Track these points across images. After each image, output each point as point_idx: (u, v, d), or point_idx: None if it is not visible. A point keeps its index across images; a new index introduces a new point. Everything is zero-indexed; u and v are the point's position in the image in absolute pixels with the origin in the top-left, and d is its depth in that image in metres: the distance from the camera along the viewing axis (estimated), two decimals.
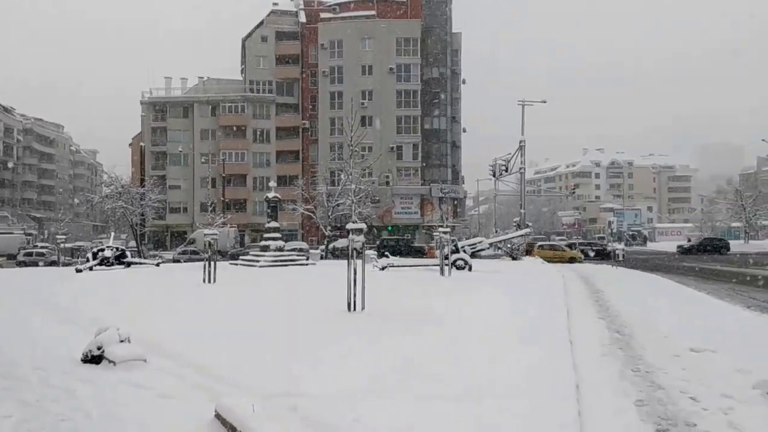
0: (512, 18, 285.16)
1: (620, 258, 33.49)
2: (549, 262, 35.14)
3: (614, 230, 69.56)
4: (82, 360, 7.45)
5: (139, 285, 19.31)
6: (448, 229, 23.03)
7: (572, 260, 37.01)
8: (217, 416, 5.26)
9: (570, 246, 45.20)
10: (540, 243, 45.55)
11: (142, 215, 47.69)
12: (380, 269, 24.43)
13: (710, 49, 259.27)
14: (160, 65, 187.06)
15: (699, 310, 13.40)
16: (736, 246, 51.47)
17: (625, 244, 54.36)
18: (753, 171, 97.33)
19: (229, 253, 41.43)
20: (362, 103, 59.33)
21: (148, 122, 65.96)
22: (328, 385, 6.30)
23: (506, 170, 44.12)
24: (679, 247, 50.49)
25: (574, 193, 63.27)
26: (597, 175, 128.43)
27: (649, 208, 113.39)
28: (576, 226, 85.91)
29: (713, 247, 47.74)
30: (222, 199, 55.28)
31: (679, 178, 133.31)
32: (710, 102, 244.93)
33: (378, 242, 43.11)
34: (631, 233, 75.70)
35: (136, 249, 45.27)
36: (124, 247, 33.22)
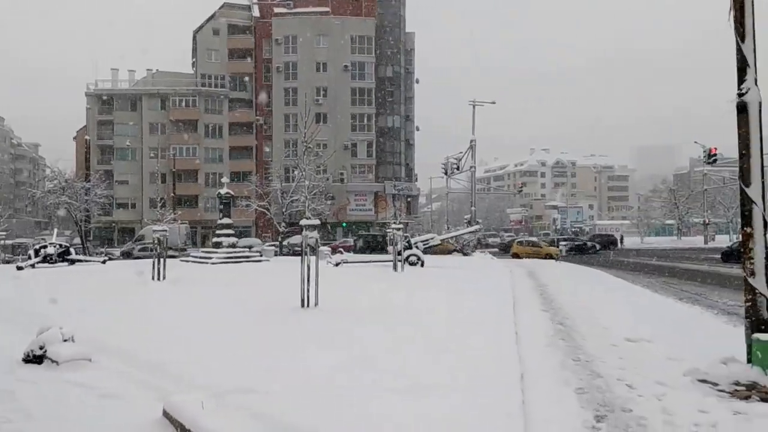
0: (465, 19, 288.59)
1: (563, 253, 34.60)
2: (527, 258, 35.67)
3: (558, 227, 71.70)
4: (23, 360, 7.24)
5: (84, 283, 18.73)
6: (401, 226, 23.27)
7: (548, 256, 36.49)
8: (165, 414, 5.20)
9: (552, 242, 46.69)
10: (518, 239, 46.30)
11: (87, 211, 46.15)
12: (334, 265, 24.47)
13: (652, 52, 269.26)
14: (107, 56, 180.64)
15: (635, 301, 14.04)
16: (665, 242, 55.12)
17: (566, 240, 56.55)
18: (686, 171, 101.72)
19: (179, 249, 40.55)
20: (317, 100, 59.01)
21: (93, 115, 63.71)
22: (280, 381, 6.33)
23: (458, 169, 44.80)
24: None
25: (521, 191, 65.05)
26: (543, 174, 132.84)
27: (591, 206, 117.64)
28: (523, 223, 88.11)
29: (603, 243, 52.26)
30: (172, 194, 54.02)
31: (618, 178, 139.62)
32: (647, 104, 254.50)
33: (355, 238, 43.01)
34: (573, 230, 78.21)
35: (81, 246, 43.78)
36: (68, 244, 32.05)
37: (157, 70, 65.82)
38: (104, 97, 63.68)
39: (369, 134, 61.31)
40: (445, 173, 46.45)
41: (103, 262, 30.47)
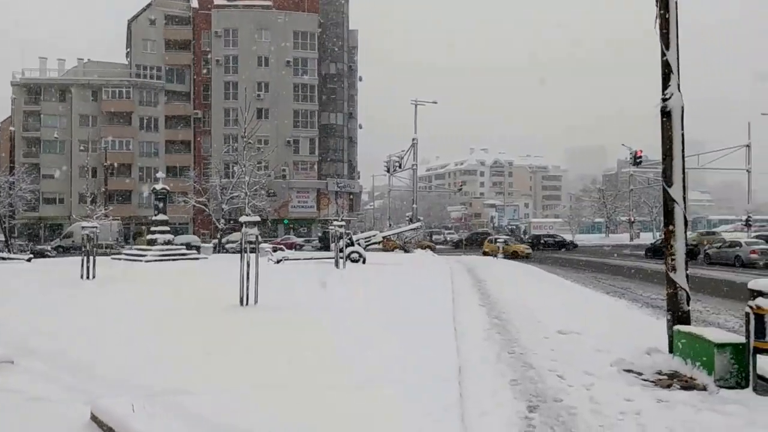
0: (410, 18, 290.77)
1: (500, 250, 35.51)
2: (490, 255, 35.81)
3: (496, 224, 73.69)
4: None
5: (7, 282, 17.71)
6: (343, 223, 23.25)
7: (514, 254, 35.97)
8: (94, 418, 5.01)
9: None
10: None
11: (11, 206, 43.65)
12: (275, 263, 24.20)
13: (588, 54, 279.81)
14: (36, 44, 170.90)
15: (567, 296, 14.61)
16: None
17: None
18: (614, 172, 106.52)
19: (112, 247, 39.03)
20: (258, 95, 58.07)
21: (19, 105, 60.24)
22: (217, 382, 6.22)
23: (400, 167, 45.24)
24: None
25: (461, 189, 66.24)
26: (482, 173, 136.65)
27: (526, 205, 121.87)
28: (463, 220, 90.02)
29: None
30: (104, 189, 51.86)
31: (552, 178, 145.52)
32: (581, 106, 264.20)
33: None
34: (510, 227, 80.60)
35: (4, 242, 41.37)
36: None
37: (88, 59, 62.98)
38: (31, 87, 60.32)
39: (312, 131, 60.88)
40: (388, 171, 46.77)
41: (28, 259, 28.91)
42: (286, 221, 58.62)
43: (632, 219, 64.19)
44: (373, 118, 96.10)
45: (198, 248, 35.26)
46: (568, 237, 57.32)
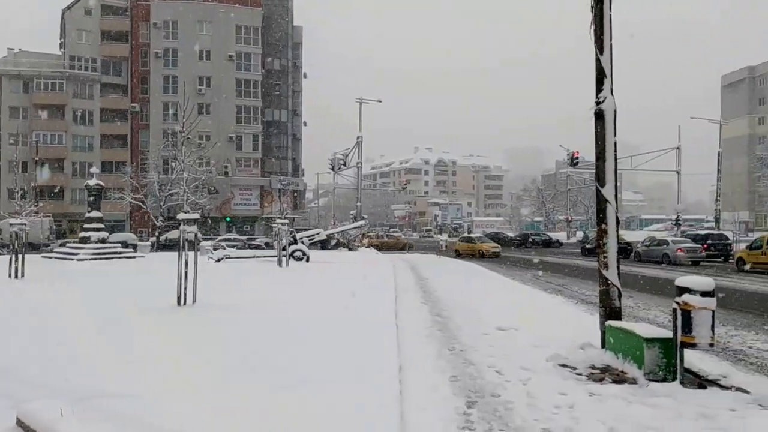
0: (355, 18, 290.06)
1: (443, 248, 36.01)
2: (462, 253, 35.64)
3: (439, 223, 74.81)
4: None
5: None
6: (286, 221, 22.99)
7: (480, 253, 35.34)
8: (19, 423, 4.75)
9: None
10: (462, 236, 46.62)
11: None
12: (216, 261, 23.67)
13: (529, 57, 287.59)
14: None
15: (507, 293, 14.95)
16: None
17: (449, 235, 58.45)
18: (553, 172, 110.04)
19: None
20: (199, 90, 56.67)
21: None
22: (151, 384, 6.00)
23: (344, 164, 45.13)
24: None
25: (405, 188, 66.74)
26: (426, 172, 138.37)
27: (469, 203, 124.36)
28: (407, 219, 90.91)
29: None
30: (34, 185, 49.25)
31: (494, 177, 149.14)
32: (522, 107, 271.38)
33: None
34: (453, 226, 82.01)
35: None
36: None
37: (20, 49, 59.60)
38: None
39: (255, 127, 59.80)
40: (332, 169, 46.54)
41: None
42: (228, 219, 57.42)
43: (569, 218, 66.48)
44: (319, 116, 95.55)
45: (135, 247, 34.03)
46: (555, 235, 58.31)
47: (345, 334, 8.57)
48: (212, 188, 50.34)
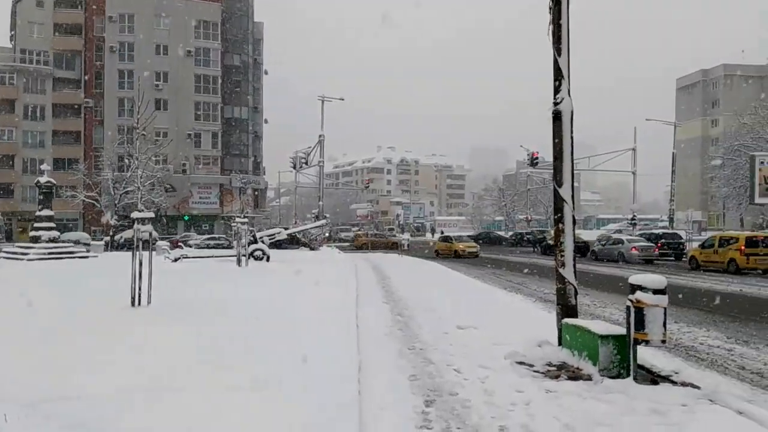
0: (318, 15, 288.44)
1: (406, 247, 36.12)
2: (441, 254, 35.04)
3: (401, 222, 75.03)
4: None
5: None
6: (246, 220, 22.64)
7: (455, 253, 34.06)
8: None
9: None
10: (444, 235, 45.07)
11: None
12: (173, 261, 23.16)
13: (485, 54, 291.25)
14: None
15: (467, 291, 15.07)
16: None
17: (411, 235, 58.59)
18: (514, 172, 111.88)
19: None
20: (156, 85, 55.36)
21: None
22: (103, 387, 5.78)
23: (306, 163, 44.76)
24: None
25: (368, 187, 66.61)
26: (389, 171, 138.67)
27: (432, 203, 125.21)
28: (369, 218, 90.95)
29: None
30: None
31: (456, 177, 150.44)
32: (485, 107, 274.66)
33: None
34: (416, 225, 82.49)
35: None
36: None
37: None
38: None
39: (214, 124, 58.73)
40: (294, 167, 46.08)
41: None
42: (186, 217, 56.25)
43: (529, 217, 67.57)
44: (281, 114, 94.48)
45: (88, 246, 32.99)
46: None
47: (303, 334, 8.46)
48: (169, 186, 49.22)
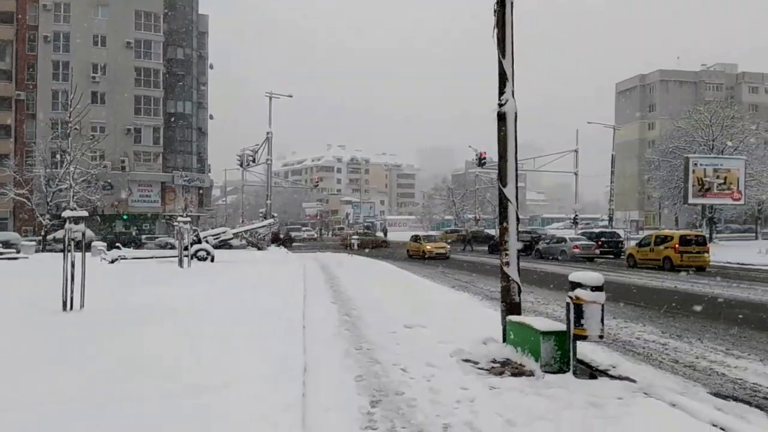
0: (268, 11, 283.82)
1: (355, 247, 36.02)
2: (413, 254, 33.18)
3: (351, 221, 74.82)
4: None
5: None
6: (188, 219, 21.99)
7: (423, 254, 32.02)
8: None
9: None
10: (415, 235, 43.24)
11: None
12: (110, 262, 22.28)
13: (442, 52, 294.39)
14: None
15: (415, 290, 15.13)
16: None
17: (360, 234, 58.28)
18: (462, 172, 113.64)
19: None
20: (93, 77, 53.16)
21: None
22: (31, 397, 5.46)
23: (254, 161, 43.92)
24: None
25: (317, 186, 66.03)
26: (339, 170, 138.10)
27: (382, 202, 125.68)
28: (318, 217, 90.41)
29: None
30: None
31: (406, 176, 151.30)
32: (433, 107, 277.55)
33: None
34: (365, 224, 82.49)
35: None
36: None
37: None
38: None
39: (156, 119, 56.80)
40: (241, 165, 45.17)
41: None
42: (125, 216, 54.21)
43: (478, 217, 68.67)
44: (230, 111, 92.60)
45: (18, 247, 31.32)
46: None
47: (247, 337, 8.28)
48: (106, 184, 47.35)
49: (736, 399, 6.01)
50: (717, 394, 6.14)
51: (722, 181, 37.84)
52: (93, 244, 28.49)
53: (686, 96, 76.83)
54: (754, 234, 48.60)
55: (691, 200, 38.66)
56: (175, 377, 6.12)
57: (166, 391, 5.63)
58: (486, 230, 59.91)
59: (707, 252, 23.58)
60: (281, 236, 48.35)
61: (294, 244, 52.29)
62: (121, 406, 5.23)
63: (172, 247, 36.51)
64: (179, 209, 44.74)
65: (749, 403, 5.86)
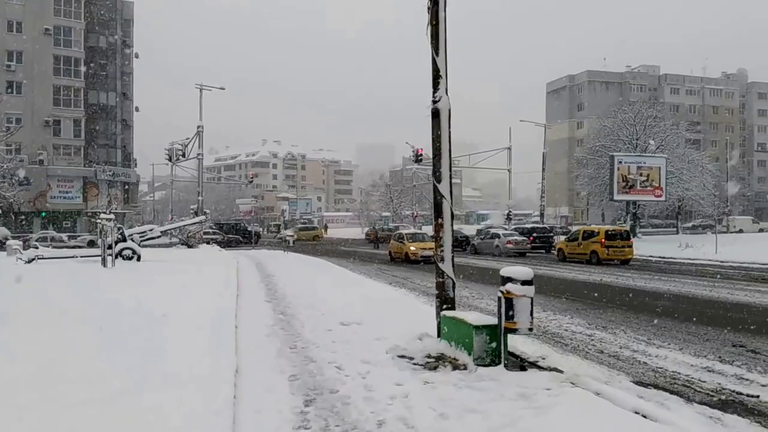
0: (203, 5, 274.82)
1: (291, 243, 35.54)
2: (395, 257, 27.19)
3: (286, 218, 73.79)
4: None
5: None
6: (112, 216, 20.95)
7: (406, 256, 26.19)
8: None
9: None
10: (396, 233, 38.52)
11: None
12: (26, 262, 20.94)
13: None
14: None
15: (352, 287, 15.02)
16: None
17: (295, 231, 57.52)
18: (400, 168, 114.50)
19: None
20: (8, 66, 49.94)
21: None
22: None
23: (183, 155, 42.33)
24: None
25: (252, 181, 64.44)
26: (274, 166, 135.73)
27: (319, 198, 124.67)
28: (253, 214, 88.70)
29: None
30: None
31: (344, 172, 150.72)
32: (371, 103, 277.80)
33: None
34: (303, 221, 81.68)
35: None
36: None
37: None
38: None
39: (77, 110, 53.77)
40: (170, 160, 43.48)
41: None
42: (43, 213, 51.13)
43: (415, 213, 69.30)
44: (159, 103, 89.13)
45: None
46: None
47: (174, 339, 7.95)
48: (23, 179, 44.55)
49: (656, 387, 6.32)
50: (639, 383, 6.43)
51: (645, 178, 39.90)
52: (8, 243, 26.73)
53: (612, 96, 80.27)
54: (675, 229, 51.38)
55: (616, 197, 40.52)
56: (92, 383, 5.81)
57: (85, 398, 5.32)
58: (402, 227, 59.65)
59: (631, 246, 24.78)
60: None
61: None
62: (38, 414, 4.89)
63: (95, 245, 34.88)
64: (102, 206, 42.58)
65: (669, 391, 6.17)
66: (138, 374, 6.15)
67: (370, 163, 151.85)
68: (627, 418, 4.93)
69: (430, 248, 22.81)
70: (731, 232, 47.11)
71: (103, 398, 5.33)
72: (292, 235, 37.76)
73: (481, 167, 52.63)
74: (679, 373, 6.91)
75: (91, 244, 37.09)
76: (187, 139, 42.31)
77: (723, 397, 5.97)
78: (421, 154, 44.22)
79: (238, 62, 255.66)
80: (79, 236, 43.98)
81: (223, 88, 43.62)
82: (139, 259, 22.57)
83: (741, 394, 6.08)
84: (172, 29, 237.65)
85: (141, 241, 25.45)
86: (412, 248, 26.10)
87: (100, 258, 19.82)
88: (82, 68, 53.73)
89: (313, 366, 6.94)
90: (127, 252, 22.42)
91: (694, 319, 10.35)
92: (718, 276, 18.71)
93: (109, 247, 19.85)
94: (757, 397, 5.96)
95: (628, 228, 31.83)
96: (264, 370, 6.77)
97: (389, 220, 78.48)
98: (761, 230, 51.95)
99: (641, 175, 39.88)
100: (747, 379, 6.58)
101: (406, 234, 28.47)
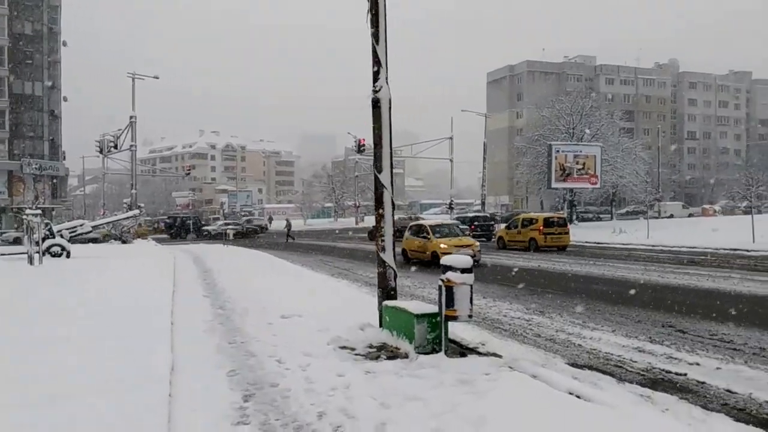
0: None
1: (230, 237, 34.80)
2: (413, 256, 23.23)
3: (226, 210, 72.13)
4: None
5: None
6: (39, 212, 19.88)
7: (434, 258, 18.84)
8: None
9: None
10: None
11: None
12: None
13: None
14: None
15: (293, 279, 14.89)
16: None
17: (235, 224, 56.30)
18: (342, 159, 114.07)
19: None
20: None
21: None
22: None
23: (115, 147, 40.53)
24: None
25: (189, 174, 62.39)
26: (213, 157, 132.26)
27: (260, 190, 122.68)
28: (191, 207, 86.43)
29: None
30: None
31: (286, 164, 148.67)
32: (314, 93, 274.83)
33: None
34: (243, 213, 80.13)
35: None
36: None
37: None
38: None
39: (0, 101, 50.70)
40: (101, 152, 41.58)
41: None
42: None
43: (357, 204, 69.22)
44: (91, 93, 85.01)
45: None
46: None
47: (107, 337, 7.65)
48: None
49: (590, 368, 6.54)
50: (574, 364, 6.64)
51: (581, 166, 41.26)
52: None
53: (550, 86, 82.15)
54: (609, 215, 53.34)
55: (553, 184, 41.73)
56: (28, 386, 5.51)
57: (12, 402, 5.04)
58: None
59: (568, 233, 25.55)
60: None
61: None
62: None
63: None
64: (30, 201, 40.34)
65: (602, 371, 6.39)
66: (69, 376, 5.87)
67: (312, 154, 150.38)
68: (562, 398, 5.07)
69: (468, 246, 18.59)
70: (662, 218, 49.13)
71: (34, 402, 5.06)
72: (232, 229, 36.91)
73: (424, 157, 53.05)
74: (612, 354, 7.18)
75: (17, 241, 35.13)
76: (119, 130, 40.56)
77: (653, 376, 6.24)
78: (364, 145, 44.20)
79: (173, 51, 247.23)
80: (4, 233, 41.55)
81: (157, 77, 42.05)
82: (68, 255, 21.53)
83: (670, 372, 6.36)
84: (104, 16, 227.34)
85: (71, 237, 24.30)
86: (442, 246, 18.45)
87: (26, 256, 18.80)
88: (6, 56, 50.52)
89: (253, 360, 6.81)
90: (56, 249, 21.35)
91: (627, 301, 10.80)
92: (650, 260, 19.58)
93: (37, 243, 18.85)
94: (685, 375, 6.25)
95: (565, 215, 32.77)
96: (202, 366, 6.58)
97: (331, 211, 78.02)
98: (691, 215, 54.48)
99: (578, 163, 41.21)
100: (675, 358, 6.89)
101: (429, 226, 20.49)
